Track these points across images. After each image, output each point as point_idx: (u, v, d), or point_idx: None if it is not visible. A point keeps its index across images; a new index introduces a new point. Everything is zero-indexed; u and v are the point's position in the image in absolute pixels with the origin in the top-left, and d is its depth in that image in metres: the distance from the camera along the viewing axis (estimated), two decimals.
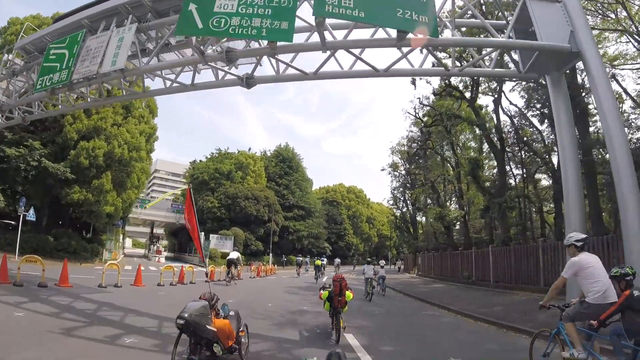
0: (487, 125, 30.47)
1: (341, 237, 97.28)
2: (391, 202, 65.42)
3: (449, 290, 23.10)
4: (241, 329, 6.67)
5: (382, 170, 63.39)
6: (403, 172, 58.75)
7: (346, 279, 9.76)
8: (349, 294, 9.42)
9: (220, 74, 13.27)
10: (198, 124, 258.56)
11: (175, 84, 13.70)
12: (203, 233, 53.44)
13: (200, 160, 70.66)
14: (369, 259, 27.02)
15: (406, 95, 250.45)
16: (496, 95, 29.75)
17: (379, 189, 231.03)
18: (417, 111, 38.25)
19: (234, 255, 24.42)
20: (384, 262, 56.26)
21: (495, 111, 29.78)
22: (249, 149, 73.95)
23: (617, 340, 5.27)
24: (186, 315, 5.35)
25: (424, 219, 62.22)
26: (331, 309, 9.37)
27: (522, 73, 11.90)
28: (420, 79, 31.95)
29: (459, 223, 37.82)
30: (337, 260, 49.38)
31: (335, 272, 31.13)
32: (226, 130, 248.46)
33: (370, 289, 19.15)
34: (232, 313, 6.65)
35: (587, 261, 5.77)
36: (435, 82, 32.52)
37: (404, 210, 62.15)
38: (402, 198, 61.41)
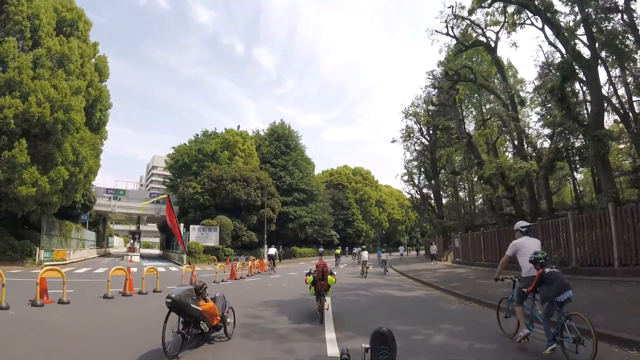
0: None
1: (349, 224, 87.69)
2: (405, 178, 55.25)
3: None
4: (226, 310, 7.60)
5: (393, 141, 52.96)
6: (422, 137, 48.93)
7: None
8: (331, 279, 9.92)
9: None
10: (198, 123, 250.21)
11: None
12: (182, 224, 44.12)
13: (184, 144, 60.46)
14: (363, 247, 34.23)
15: (406, 78, 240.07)
16: None
17: (387, 174, 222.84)
18: (449, 27, 27.52)
19: (272, 251, 30.51)
20: (402, 248, 55.74)
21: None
22: (238, 126, 63.44)
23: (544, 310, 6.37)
24: (174, 295, 6.07)
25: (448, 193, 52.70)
26: (316, 292, 9.87)
27: None
28: None
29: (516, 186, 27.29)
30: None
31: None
32: (227, 126, 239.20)
33: (365, 269, 24.66)
34: (217, 295, 7.57)
35: (524, 243, 7.22)
36: None
37: (423, 184, 52.00)
38: (420, 171, 51.49)
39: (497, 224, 31.52)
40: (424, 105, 46.90)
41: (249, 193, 47.69)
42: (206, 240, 43.28)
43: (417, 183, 53.76)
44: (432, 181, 47.09)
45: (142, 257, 57.06)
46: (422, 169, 49.71)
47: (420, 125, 48.62)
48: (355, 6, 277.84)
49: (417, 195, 53.89)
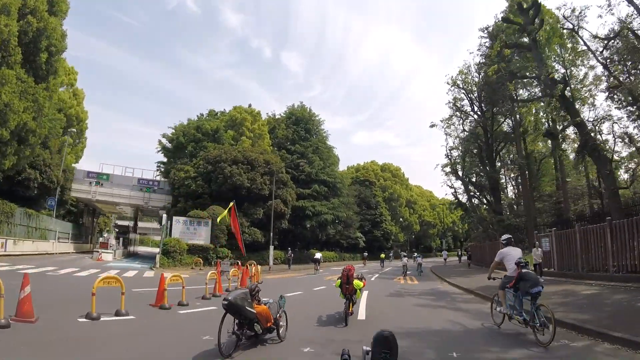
0: None
1: (377, 225, 77.47)
2: (447, 169, 45.13)
3: None
4: (279, 314, 7.82)
5: (432, 126, 42.80)
6: (473, 113, 38.68)
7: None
8: (357, 283, 10.21)
9: None
10: None
11: None
12: (165, 215, 34.89)
13: (182, 123, 49.25)
14: (404, 254, 36.17)
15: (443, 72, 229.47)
16: None
17: (417, 177, 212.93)
18: None
19: (318, 255, 34.66)
20: (446, 253, 57.56)
21: None
22: (249, 105, 53.43)
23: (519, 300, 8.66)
24: (230, 297, 6.46)
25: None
26: (344, 296, 10.17)
27: None
28: None
29: None
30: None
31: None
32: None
33: (405, 269, 30.04)
34: (271, 301, 7.82)
35: (508, 252, 9.34)
36: None
37: (475, 172, 41.48)
38: (469, 155, 40.96)
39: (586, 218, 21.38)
40: (476, 69, 36.81)
41: (254, 179, 37.79)
42: (193, 237, 33.70)
43: (462, 175, 43.50)
44: (487, 167, 36.42)
45: (135, 255, 48.45)
46: (475, 151, 39.11)
47: (471, 97, 38.45)
48: (384, 9, 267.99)
49: (461, 189, 43.98)
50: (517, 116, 33.52)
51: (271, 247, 34.42)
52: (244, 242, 36.84)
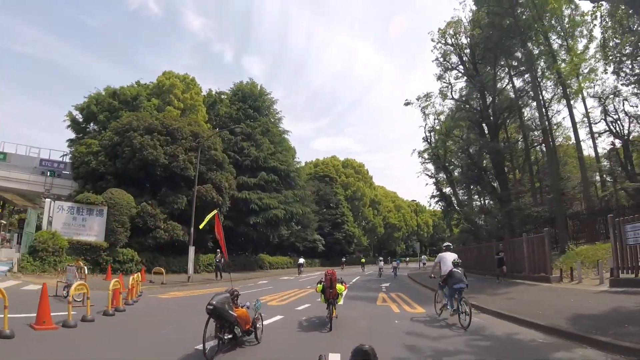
0: None
1: (338, 226, 68.53)
2: (426, 155, 37.25)
3: None
4: (256, 316, 7.90)
5: (407, 104, 34.69)
6: (464, 73, 30.19)
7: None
8: (340, 287, 9.87)
9: None
10: None
11: None
12: (49, 200, 24.64)
13: (98, 91, 36.85)
14: (381, 259, 40.75)
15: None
16: None
17: (380, 181, 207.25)
18: None
19: (301, 260, 39.61)
20: (425, 257, 58.67)
21: None
22: (185, 73, 42.98)
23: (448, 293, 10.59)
24: (214, 302, 6.43)
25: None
26: (326, 301, 9.81)
27: None
28: None
29: None
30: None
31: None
32: None
33: (380, 271, 35.28)
34: (248, 304, 7.83)
35: (444, 256, 10.95)
36: None
37: (474, 150, 32.89)
38: (461, 130, 32.48)
39: None
40: (471, 17, 28.43)
41: (174, 155, 27.57)
42: (82, 230, 23.40)
43: (443, 162, 35.08)
44: (489, 141, 27.47)
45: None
46: (468, 124, 30.37)
47: (462, 57, 29.93)
48: (347, 17, 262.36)
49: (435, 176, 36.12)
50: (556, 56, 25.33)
51: (191, 249, 24.08)
52: (157, 241, 26.85)
